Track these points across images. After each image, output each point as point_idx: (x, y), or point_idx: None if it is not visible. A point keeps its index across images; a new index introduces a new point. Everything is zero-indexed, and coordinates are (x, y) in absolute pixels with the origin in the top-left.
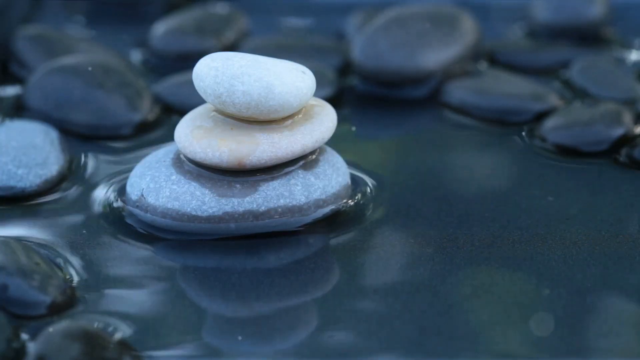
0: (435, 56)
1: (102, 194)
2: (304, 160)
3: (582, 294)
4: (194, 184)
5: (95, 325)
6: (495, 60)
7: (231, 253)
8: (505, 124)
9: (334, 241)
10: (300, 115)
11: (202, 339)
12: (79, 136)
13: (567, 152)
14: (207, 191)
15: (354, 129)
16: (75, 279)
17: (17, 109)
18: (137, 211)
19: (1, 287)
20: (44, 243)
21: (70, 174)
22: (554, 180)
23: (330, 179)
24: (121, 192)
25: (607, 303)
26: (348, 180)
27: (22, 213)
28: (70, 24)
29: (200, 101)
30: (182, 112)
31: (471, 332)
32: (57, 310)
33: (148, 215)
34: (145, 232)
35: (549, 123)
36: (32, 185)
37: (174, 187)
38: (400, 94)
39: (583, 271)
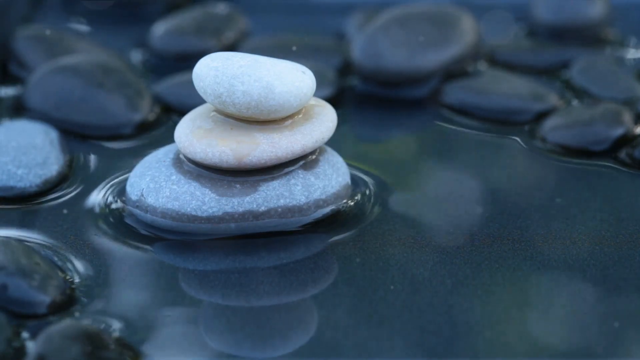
0: (435, 56)
1: (102, 194)
2: (304, 160)
3: (582, 294)
4: (194, 184)
5: (95, 325)
6: (495, 60)
7: (231, 253)
8: (505, 124)
9: (334, 241)
10: (300, 115)
11: (202, 339)
12: (79, 136)
13: (568, 152)
14: (207, 191)
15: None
16: (75, 279)
17: (17, 109)
18: (137, 211)
19: (1, 287)
20: (44, 243)
21: (70, 174)
22: (554, 180)
23: (330, 179)
24: (121, 192)
25: (607, 303)
26: (348, 180)
27: (22, 213)
28: (70, 24)
29: (200, 101)
30: (182, 112)
31: (471, 332)
32: (57, 310)
33: (148, 215)
34: (145, 232)
35: (549, 123)
36: (32, 185)
37: (174, 187)
38: (400, 94)
39: (583, 271)
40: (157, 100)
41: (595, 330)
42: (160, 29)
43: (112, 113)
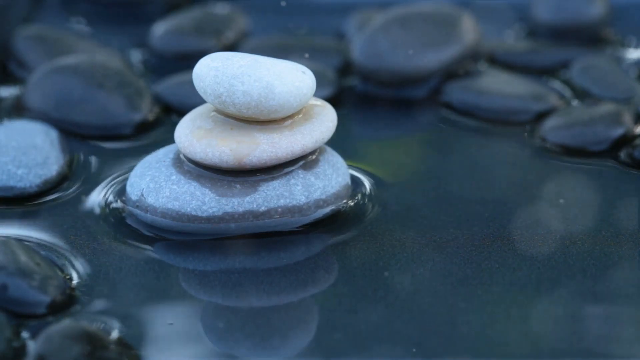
0: (435, 56)
1: (102, 194)
2: (304, 160)
3: (582, 294)
4: (194, 184)
5: (95, 325)
6: (495, 60)
7: (231, 253)
8: (505, 124)
9: (334, 241)
10: (300, 115)
11: (202, 339)
12: (79, 136)
13: (568, 152)
14: (207, 191)
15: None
16: (75, 279)
17: (17, 109)
18: (137, 211)
19: (1, 287)
20: (44, 243)
21: (70, 174)
22: (554, 180)
23: (330, 179)
24: (121, 192)
25: (607, 303)
26: (348, 180)
27: (22, 213)
28: (70, 24)
29: (200, 101)
30: (182, 112)
31: (471, 332)
32: (57, 310)
33: (148, 215)
34: (145, 233)
35: (549, 123)
36: (32, 185)
37: (174, 187)
38: (400, 94)
39: (583, 271)
40: (157, 100)
41: (595, 330)
42: (160, 29)
43: (112, 113)
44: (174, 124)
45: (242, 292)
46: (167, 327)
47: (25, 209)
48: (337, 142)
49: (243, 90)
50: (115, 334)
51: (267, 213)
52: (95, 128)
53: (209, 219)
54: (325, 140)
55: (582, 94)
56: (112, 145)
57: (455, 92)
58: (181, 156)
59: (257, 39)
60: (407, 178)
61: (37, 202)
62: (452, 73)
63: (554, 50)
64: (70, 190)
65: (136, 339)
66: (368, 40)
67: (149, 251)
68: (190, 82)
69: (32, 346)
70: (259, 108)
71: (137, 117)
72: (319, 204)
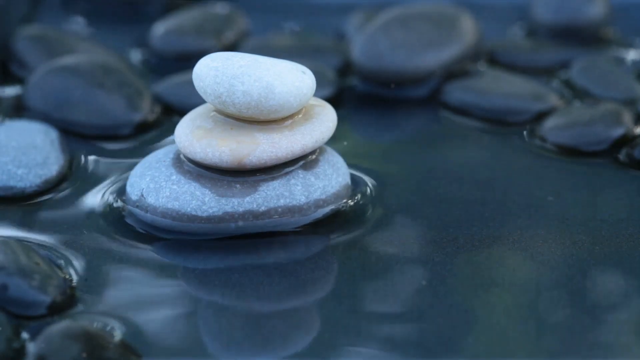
0: (435, 56)
1: (102, 194)
2: (304, 160)
3: (582, 294)
4: (194, 184)
5: (95, 325)
6: (495, 60)
7: (231, 253)
8: (505, 124)
9: (334, 241)
10: (300, 115)
11: (202, 339)
12: (79, 136)
13: (567, 152)
14: (207, 191)
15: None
16: (75, 279)
17: (17, 109)
18: (137, 211)
19: (1, 287)
20: (44, 243)
21: (70, 174)
22: (554, 180)
23: (330, 179)
24: (121, 192)
25: (607, 303)
26: (348, 180)
27: (22, 213)
28: (70, 24)
29: (200, 101)
30: (182, 112)
31: (471, 332)
32: (57, 310)
33: (148, 215)
34: (145, 232)
35: (549, 123)
36: (32, 185)
37: (174, 187)
38: (400, 94)
39: (583, 271)
40: (157, 100)
41: (596, 330)
42: (160, 29)
43: (112, 113)
44: (174, 124)
45: (242, 292)
46: (167, 327)
47: (25, 209)
48: (337, 142)
49: (243, 90)
50: (115, 334)
51: (267, 213)
52: (95, 128)
53: (209, 219)
54: (325, 140)
55: (582, 94)
56: (112, 145)
57: (455, 92)
58: (181, 156)
59: (257, 39)
60: (407, 178)
61: (37, 202)
62: (452, 73)
63: (554, 50)
64: (70, 190)
65: (136, 339)
66: (368, 40)
67: (149, 251)
68: (190, 82)
69: (32, 346)
70: (259, 108)
71: (137, 117)
72: (319, 204)
